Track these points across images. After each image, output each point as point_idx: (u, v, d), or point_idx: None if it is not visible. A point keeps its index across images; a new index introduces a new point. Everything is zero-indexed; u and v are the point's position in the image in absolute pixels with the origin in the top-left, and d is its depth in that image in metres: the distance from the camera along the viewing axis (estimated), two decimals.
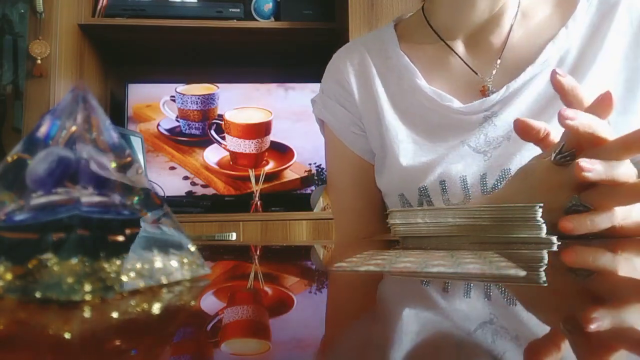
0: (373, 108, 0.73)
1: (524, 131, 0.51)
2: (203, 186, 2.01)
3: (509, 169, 0.63)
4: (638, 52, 0.65)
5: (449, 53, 0.71)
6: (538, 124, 0.50)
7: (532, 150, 0.62)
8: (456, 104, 0.68)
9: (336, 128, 0.76)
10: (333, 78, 0.77)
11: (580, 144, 0.47)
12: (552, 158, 0.48)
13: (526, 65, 0.66)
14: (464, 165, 0.65)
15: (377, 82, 0.73)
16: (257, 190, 1.98)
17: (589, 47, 0.66)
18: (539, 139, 0.51)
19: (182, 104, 2.03)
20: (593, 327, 0.17)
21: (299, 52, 2.11)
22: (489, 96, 0.67)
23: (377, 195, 0.76)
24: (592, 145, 0.46)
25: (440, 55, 0.72)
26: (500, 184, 0.63)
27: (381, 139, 0.72)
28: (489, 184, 0.64)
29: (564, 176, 0.47)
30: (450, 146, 0.67)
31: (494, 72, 0.69)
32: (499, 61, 0.69)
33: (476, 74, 0.70)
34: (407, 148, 0.69)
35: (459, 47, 0.71)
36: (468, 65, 0.70)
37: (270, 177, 2.03)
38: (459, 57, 0.71)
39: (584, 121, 0.45)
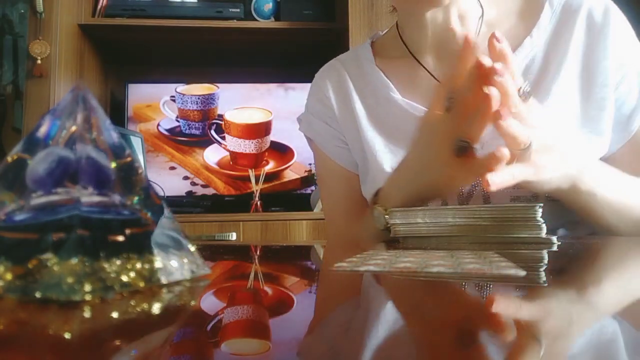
0: (352, 122, 0.76)
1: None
2: (203, 186, 2.01)
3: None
4: (598, 57, 0.65)
5: (419, 68, 0.74)
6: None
7: None
8: None
9: (321, 143, 0.80)
10: (315, 96, 0.82)
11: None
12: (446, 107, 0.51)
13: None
14: None
15: (355, 97, 0.77)
16: (257, 190, 1.98)
17: (554, 54, 0.67)
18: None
19: (182, 104, 2.03)
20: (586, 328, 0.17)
21: (299, 52, 2.11)
22: None
23: (366, 203, 0.78)
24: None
25: (411, 68, 0.75)
26: (475, 190, 0.65)
27: (361, 151, 0.75)
28: (464, 190, 0.66)
29: (448, 123, 0.51)
30: None
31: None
32: None
33: None
34: (385, 157, 0.72)
35: (429, 60, 0.74)
36: (435, 78, 0.72)
37: (270, 177, 2.03)
38: (427, 70, 0.73)
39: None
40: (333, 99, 0.78)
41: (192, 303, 0.23)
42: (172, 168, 2.01)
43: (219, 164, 2.02)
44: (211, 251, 0.48)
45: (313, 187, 2.02)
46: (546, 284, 0.26)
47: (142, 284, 0.23)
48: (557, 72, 0.66)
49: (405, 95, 0.73)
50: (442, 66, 0.73)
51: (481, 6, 0.72)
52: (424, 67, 0.74)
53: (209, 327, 0.19)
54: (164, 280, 0.24)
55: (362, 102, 0.76)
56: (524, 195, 0.63)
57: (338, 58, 0.84)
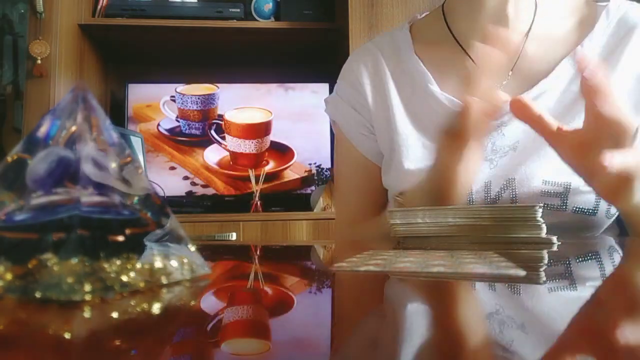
0: (385, 111, 0.73)
1: (517, 107, 0.50)
2: (203, 186, 2.01)
3: (514, 178, 0.63)
4: None
5: (464, 57, 0.71)
6: (538, 108, 0.49)
7: (537, 162, 0.63)
8: None
9: (345, 129, 0.77)
10: (347, 80, 0.78)
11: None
12: None
13: (539, 78, 0.66)
14: None
15: (391, 85, 0.74)
16: (257, 190, 1.98)
17: (603, 67, 0.66)
18: (535, 121, 0.50)
19: (182, 104, 2.03)
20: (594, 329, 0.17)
21: (299, 52, 2.11)
22: None
23: (381, 196, 0.77)
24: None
25: (454, 58, 0.72)
26: (504, 192, 0.64)
27: (390, 142, 0.73)
28: (492, 192, 0.64)
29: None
30: None
31: (504, 81, 0.69)
32: (510, 73, 0.69)
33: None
34: (417, 152, 0.70)
35: (476, 51, 0.71)
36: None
37: (270, 177, 2.03)
38: (474, 62, 0.70)
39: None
40: (368, 85, 0.75)
41: (192, 303, 0.23)
42: (172, 168, 2.01)
43: (219, 164, 2.02)
44: (211, 251, 0.48)
45: (313, 187, 2.02)
46: (546, 284, 0.26)
47: (142, 284, 0.23)
48: None
49: (444, 87, 0.70)
50: (491, 56, 0.71)
51: (535, 2, 0.69)
52: (471, 58, 0.70)
53: (209, 327, 0.19)
54: (164, 280, 0.24)
55: (398, 92, 0.73)
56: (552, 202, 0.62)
57: (374, 41, 0.80)
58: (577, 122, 0.63)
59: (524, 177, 0.63)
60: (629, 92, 0.65)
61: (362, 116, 0.75)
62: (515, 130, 0.66)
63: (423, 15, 0.80)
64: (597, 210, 0.61)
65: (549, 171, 0.62)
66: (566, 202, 0.61)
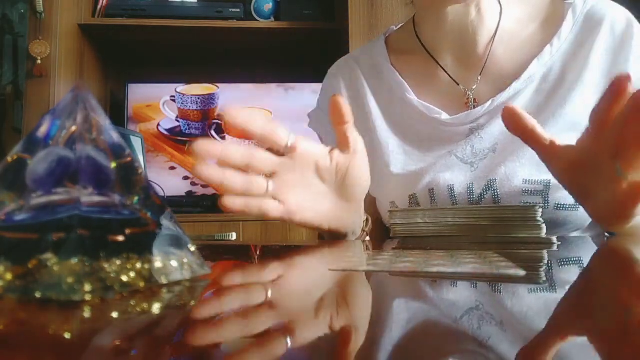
0: (365, 121, 0.75)
1: (511, 121, 0.49)
2: (203, 186, 2.01)
3: (495, 179, 0.65)
4: (620, 68, 0.65)
5: (435, 66, 0.73)
6: (531, 121, 0.48)
7: (517, 162, 0.64)
8: (444, 116, 0.70)
9: (330, 139, 0.78)
10: (327, 93, 0.81)
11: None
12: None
13: (511, 80, 0.68)
14: (452, 174, 0.67)
15: (369, 96, 0.76)
16: None
17: (573, 64, 0.67)
18: (528, 135, 0.49)
19: (182, 104, 2.03)
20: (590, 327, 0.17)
21: (299, 52, 2.11)
22: (472, 108, 0.69)
23: (368, 202, 0.77)
24: None
25: (428, 67, 0.74)
26: (486, 193, 0.65)
27: (372, 151, 0.74)
28: (475, 193, 0.66)
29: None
30: (438, 156, 0.70)
31: (474, 86, 0.71)
32: (479, 77, 0.71)
33: (458, 85, 0.72)
34: (398, 158, 0.72)
35: (447, 59, 0.73)
36: (452, 78, 0.72)
37: None
38: (444, 70, 0.73)
39: None
40: (345, 95, 0.77)
41: (192, 303, 0.23)
42: (172, 168, 2.01)
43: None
44: (211, 251, 0.48)
45: None
46: (546, 284, 0.26)
47: (142, 284, 0.23)
48: (576, 81, 0.65)
49: (420, 96, 0.72)
50: (460, 65, 0.72)
51: (500, 5, 0.71)
52: (441, 66, 0.73)
53: (208, 327, 0.19)
54: (164, 280, 0.24)
55: (377, 102, 0.75)
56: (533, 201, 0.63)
57: (351, 55, 0.83)
58: (551, 122, 0.64)
59: (505, 178, 0.64)
60: (598, 87, 0.65)
61: None
62: (493, 132, 0.67)
63: (399, 26, 0.83)
64: (579, 205, 0.61)
65: (528, 170, 0.63)
66: (547, 200, 0.62)
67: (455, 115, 0.69)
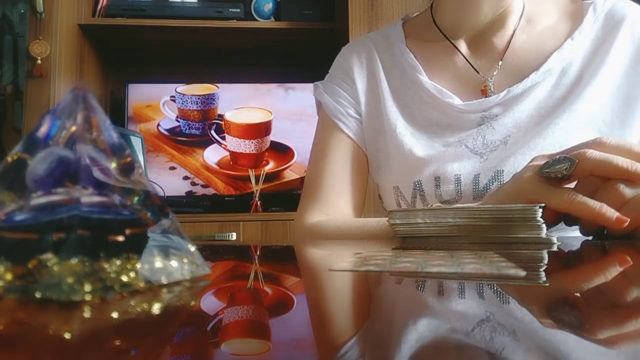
0: (375, 102, 0.75)
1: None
2: (203, 186, 2.01)
3: (502, 170, 0.65)
4: (638, 69, 0.66)
5: (453, 51, 0.73)
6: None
7: (527, 154, 0.64)
8: (456, 100, 0.69)
9: (331, 108, 0.77)
10: (339, 66, 0.79)
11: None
12: (540, 170, 0.48)
13: (529, 71, 0.68)
14: (460, 164, 0.67)
15: (382, 77, 0.75)
16: (257, 190, 1.98)
17: (592, 61, 0.67)
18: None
19: (182, 104, 2.03)
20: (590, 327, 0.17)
21: (299, 52, 2.11)
22: (489, 96, 0.68)
23: (360, 179, 0.76)
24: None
25: (444, 53, 0.73)
26: (492, 184, 0.65)
27: (377, 133, 0.74)
28: (481, 184, 0.66)
29: (542, 190, 0.47)
30: (448, 144, 0.69)
31: (494, 73, 0.70)
32: (500, 63, 0.70)
33: (478, 72, 0.71)
34: (405, 141, 0.71)
35: (463, 46, 0.73)
36: (471, 64, 0.71)
37: (270, 177, 2.03)
38: (463, 55, 0.72)
39: None
40: (358, 73, 0.76)
41: (192, 303, 0.23)
42: (172, 168, 2.01)
43: (219, 164, 2.02)
44: (211, 251, 0.48)
45: None
46: (546, 284, 0.26)
47: (142, 284, 0.23)
48: (593, 77, 0.65)
49: (433, 79, 0.72)
50: (478, 53, 0.72)
51: None
52: (460, 52, 0.72)
53: (209, 327, 0.19)
54: (164, 280, 0.24)
55: (389, 82, 0.75)
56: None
57: (368, 35, 0.82)
58: (566, 116, 0.64)
59: (513, 170, 0.64)
60: (617, 86, 0.66)
61: (351, 97, 0.76)
62: (506, 123, 0.67)
63: (415, 14, 0.83)
64: None
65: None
66: None
67: (469, 101, 0.69)
